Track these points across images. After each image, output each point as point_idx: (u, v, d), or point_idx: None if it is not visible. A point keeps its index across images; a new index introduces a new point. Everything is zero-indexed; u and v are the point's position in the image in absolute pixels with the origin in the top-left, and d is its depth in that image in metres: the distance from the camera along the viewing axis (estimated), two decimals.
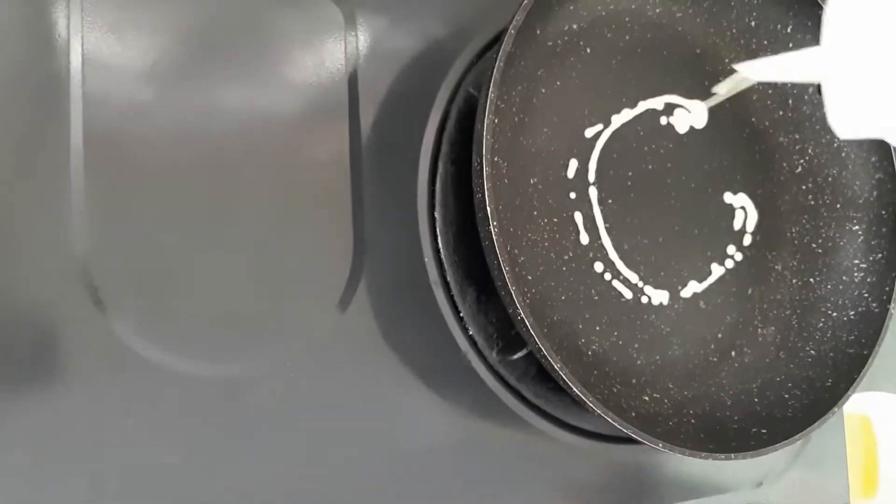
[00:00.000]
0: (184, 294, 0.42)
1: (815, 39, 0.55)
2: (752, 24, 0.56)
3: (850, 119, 0.33)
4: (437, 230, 0.48)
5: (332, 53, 0.48)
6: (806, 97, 0.57)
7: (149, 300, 0.42)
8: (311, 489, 0.45)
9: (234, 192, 0.45)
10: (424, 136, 0.49)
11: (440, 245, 0.48)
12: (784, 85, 0.57)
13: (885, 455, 0.69)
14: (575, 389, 0.42)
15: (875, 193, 0.56)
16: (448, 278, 0.48)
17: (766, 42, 0.57)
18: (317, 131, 0.48)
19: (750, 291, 0.55)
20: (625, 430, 0.43)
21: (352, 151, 0.48)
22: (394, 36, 0.50)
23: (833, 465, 0.61)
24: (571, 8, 0.50)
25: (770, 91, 0.58)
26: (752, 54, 0.57)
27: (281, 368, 0.44)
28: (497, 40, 0.51)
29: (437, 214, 0.48)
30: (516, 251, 0.47)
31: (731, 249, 0.55)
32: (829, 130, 0.56)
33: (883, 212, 0.55)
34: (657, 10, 0.54)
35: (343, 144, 0.48)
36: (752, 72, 0.43)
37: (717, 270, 0.54)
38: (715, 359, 0.53)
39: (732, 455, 0.46)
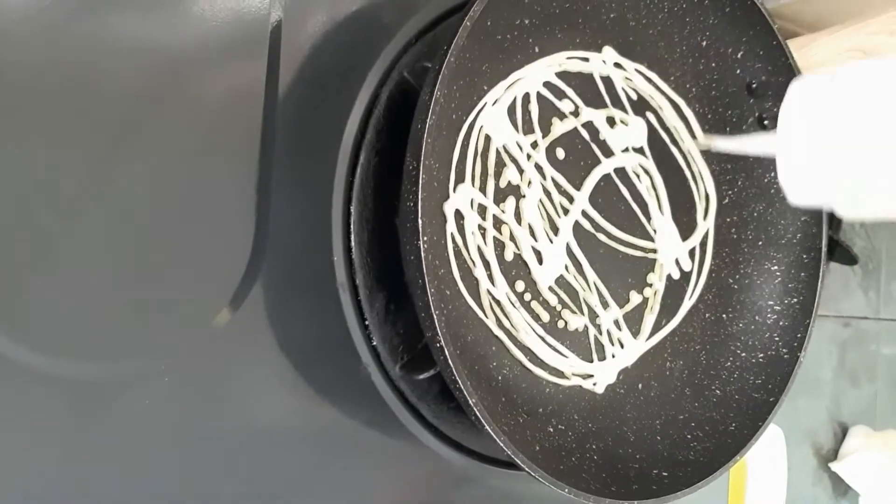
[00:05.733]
0: (45, 279, 0.36)
1: (763, 70, 0.53)
2: (704, 43, 0.53)
3: (801, 190, 0.36)
4: (352, 227, 0.43)
5: None
6: (744, 127, 0.55)
7: (3, 285, 0.35)
8: (181, 496, 0.39)
9: (115, 154, 0.38)
10: (349, 118, 0.44)
11: (352, 244, 0.43)
12: (724, 112, 0.55)
13: (754, 481, 0.69)
14: (488, 428, 0.38)
15: (799, 236, 0.54)
16: (357, 281, 0.43)
17: (713, 65, 0.54)
18: (225, 88, 0.42)
19: (663, 322, 0.53)
20: (533, 474, 0.40)
21: (264, 124, 0.42)
22: None
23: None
24: (527, 1, 0.45)
25: (709, 116, 0.55)
26: (698, 76, 0.54)
27: (156, 371, 0.38)
28: (441, 20, 0.47)
29: (353, 210, 0.43)
30: (437, 262, 0.43)
31: (651, 278, 0.52)
32: (761, 163, 0.55)
33: (804, 256, 0.54)
34: (611, 16, 0.50)
35: (255, 113, 0.42)
36: (718, 146, 0.48)
37: (634, 298, 0.52)
38: (622, 390, 0.51)
39: (636, 502, 0.44)
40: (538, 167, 0.47)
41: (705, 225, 0.55)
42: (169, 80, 0.40)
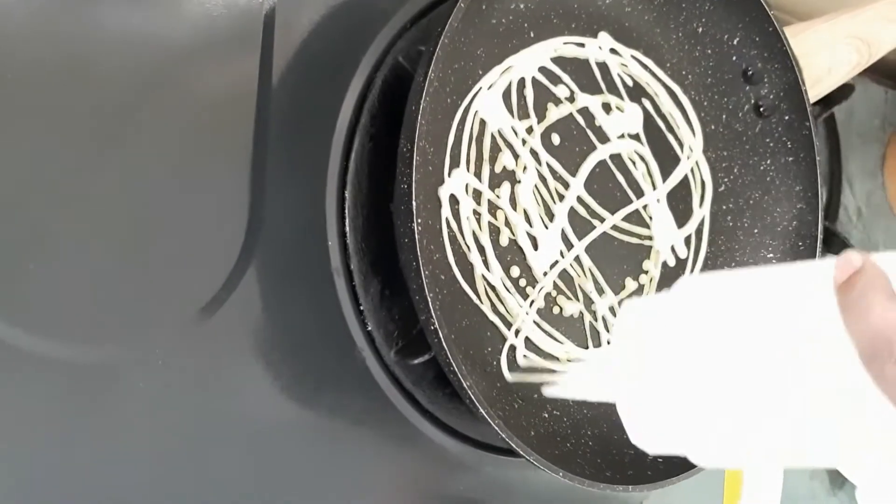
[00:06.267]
0: (41, 266, 0.36)
1: (759, 56, 0.53)
2: (700, 29, 0.53)
3: (648, 440, 0.30)
4: (346, 212, 0.43)
5: None
6: (740, 114, 0.55)
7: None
8: (177, 484, 0.39)
9: (110, 140, 0.38)
10: (343, 103, 0.44)
11: (347, 229, 0.43)
12: (720, 99, 0.55)
13: (751, 473, 0.69)
14: (483, 412, 0.38)
15: (794, 224, 0.54)
16: (352, 267, 0.43)
17: (709, 51, 0.54)
18: (219, 74, 0.42)
19: None
20: (528, 458, 0.40)
21: (258, 107, 0.42)
22: None
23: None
24: None
25: (705, 103, 0.55)
26: (694, 62, 0.54)
27: (149, 356, 0.38)
28: (436, 5, 0.46)
29: (347, 194, 0.43)
30: (432, 247, 0.43)
31: (647, 265, 0.52)
32: (757, 151, 0.55)
33: (799, 243, 0.54)
34: (607, 2, 0.50)
35: (249, 97, 0.42)
36: (557, 392, 0.36)
37: (630, 285, 0.52)
38: None
39: (630, 487, 0.44)
40: (533, 152, 0.47)
41: (701, 212, 0.55)
42: (162, 67, 0.40)
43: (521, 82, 0.47)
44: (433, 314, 0.37)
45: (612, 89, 0.51)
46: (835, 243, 0.68)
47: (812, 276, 0.26)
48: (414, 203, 0.36)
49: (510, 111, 0.47)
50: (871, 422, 0.24)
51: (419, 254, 0.37)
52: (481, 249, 0.45)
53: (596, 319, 0.50)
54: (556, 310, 0.48)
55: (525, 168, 0.47)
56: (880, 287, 0.24)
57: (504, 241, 0.46)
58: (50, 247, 0.36)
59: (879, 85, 0.75)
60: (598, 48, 0.50)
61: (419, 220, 0.37)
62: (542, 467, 0.41)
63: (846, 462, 0.27)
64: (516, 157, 0.47)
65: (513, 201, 0.46)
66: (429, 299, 0.37)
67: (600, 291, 0.50)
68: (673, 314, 0.29)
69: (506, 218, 0.46)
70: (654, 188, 0.53)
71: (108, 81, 0.38)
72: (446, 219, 0.44)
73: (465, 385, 0.38)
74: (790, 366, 0.25)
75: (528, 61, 0.47)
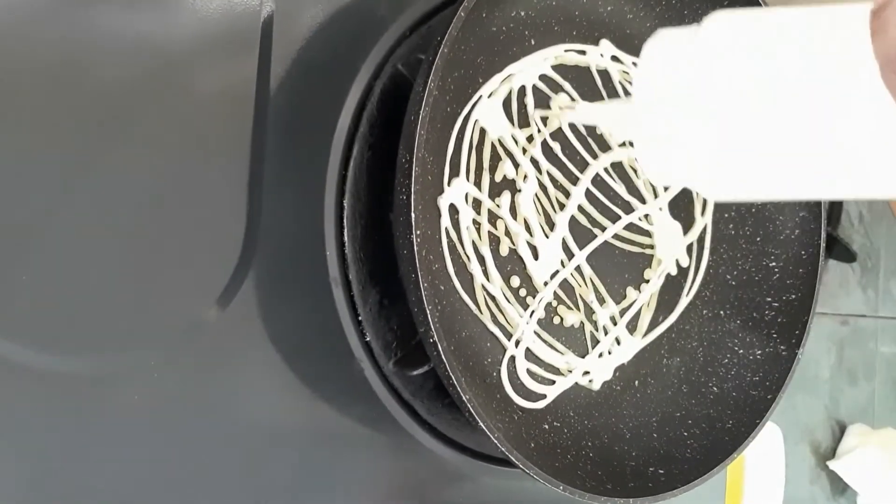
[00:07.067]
0: (35, 275, 0.35)
1: None
2: None
3: (659, 165, 0.31)
4: (345, 222, 0.43)
5: None
6: None
7: None
8: (171, 496, 0.39)
9: (105, 148, 0.38)
10: (342, 111, 0.43)
11: (346, 239, 0.43)
12: None
13: (752, 479, 0.69)
14: (482, 425, 0.38)
15: (797, 232, 0.54)
16: (350, 277, 0.43)
17: None
18: (216, 81, 0.41)
19: (660, 319, 0.53)
20: (528, 472, 0.40)
21: (256, 117, 0.42)
22: None
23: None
24: None
25: None
26: None
27: (145, 367, 0.38)
28: (436, 13, 0.46)
29: (346, 204, 0.43)
30: (431, 257, 0.42)
31: (648, 274, 0.52)
32: None
33: (802, 252, 0.54)
34: (608, 9, 0.50)
35: (247, 105, 0.42)
36: (571, 118, 0.43)
37: (631, 294, 0.51)
38: (618, 387, 0.51)
39: (631, 500, 0.44)
40: (534, 161, 0.47)
41: (703, 220, 0.54)
42: (159, 73, 0.39)
43: (522, 90, 0.47)
44: (432, 327, 0.37)
45: (614, 97, 0.51)
46: (838, 250, 0.67)
47: (844, 9, 0.27)
48: (413, 215, 0.36)
49: (511, 120, 0.46)
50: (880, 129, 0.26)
51: (418, 265, 0.36)
52: (481, 259, 0.45)
53: (597, 329, 0.49)
54: (556, 320, 0.48)
55: (526, 177, 0.46)
56: None
57: (504, 250, 0.46)
58: (44, 256, 0.36)
59: None
60: (599, 55, 0.50)
61: (418, 232, 0.36)
62: (541, 481, 0.41)
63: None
64: (517, 165, 0.46)
65: (513, 210, 0.46)
66: (428, 312, 0.37)
67: (601, 301, 0.50)
68: (701, 47, 0.29)
69: (506, 227, 0.46)
70: (656, 196, 0.52)
71: (104, 88, 0.38)
72: (446, 229, 0.43)
73: (464, 398, 0.38)
74: (815, 87, 0.26)
75: (529, 69, 0.47)
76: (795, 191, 0.30)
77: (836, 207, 0.69)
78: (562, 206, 0.48)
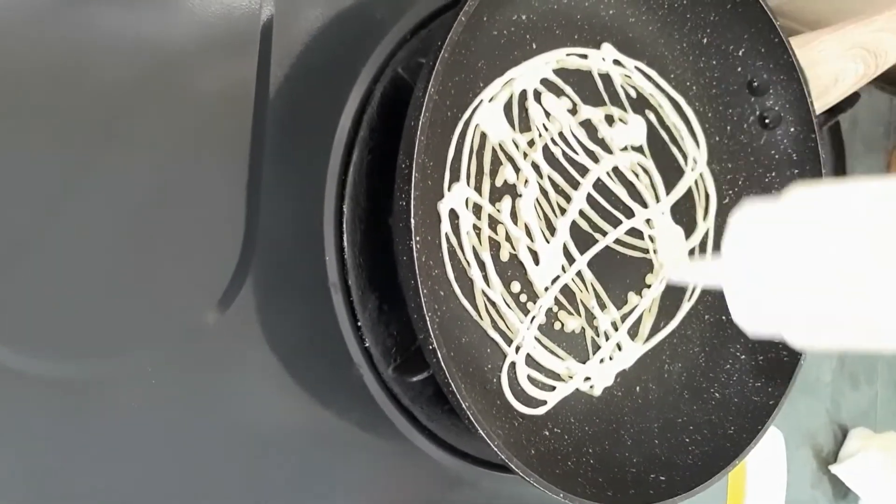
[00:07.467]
0: (32, 279, 0.35)
1: (765, 67, 0.52)
2: (705, 40, 0.52)
3: (753, 322, 0.34)
4: (344, 227, 0.42)
5: None
6: (745, 126, 0.54)
7: None
8: (170, 501, 0.39)
9: (103, 151, 0.37)
10: (342, 115, 0.43)
11: (345, 244, 0.42)
12: (725, 110, 0.54)
13: (754, 483, 0.69)
14: (481, 432, 0.38)
15: None
16: (349, 282, 0.43)
17: (714, 62, 0.53)
18: (215, 85, 0.41)
19: (662, 324, 0.52)
20: (528, 479, 0.39)
21: (255, 121, 0.41)
22: None
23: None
24: None
25: (709, 114, 0.54)
26: (699, 73, 0.53)
27: (143, 372, 0.38)
28: (436, 16, 0.46)
29: (345, 208, 0.42)
30: (431, 262, 0.42)
31: (650, 279, 0.52)
32: (762, 163, 0.54)
33: None
34: (610, 12, 0.50)
35: (246, 108, 0.41)
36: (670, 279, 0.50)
37: (632, 300, 0.51)
38: (619, 393, 0.50)
39: None
40: (535, 166, 0.47)
41: (705, 225, 0.54)
42: (158, 77, 0.39)
43: (523, 94, 0.46)
44: (432, 334, 0.37)
45: (616, 101, 0.50)
46: None
47: None
48: (412, 220, 0.36)
49: (511, 124, 0.46)
50: None
51: (417, 271, 0.36)
52: (481, 265, 0.44)
53: (598, 335, 0.49)
54: (557, 325, 0.48)
55: (526, 182, 0.46)
56: None
57: (504, 255, 0.45)
58: (41, 260, 0.36)
59: (884, 92, 0.74)
60: (601, 59, 0.49)
61: (418, 238, 0.36)
62: (541, 488, 0.40)
63: None
64: (517, 170, 0.46)
65: (514, 215, 0.46)
66: (427, 318, 0.36)
67: (602, 306, 0.49)
68: (784, 218, 0.32)
69: (506, 232, 0.45)
70: (658, 201, 0.52)
71: (103, 90, 0.37)
72: (446, 234, 0.43)
73: (463, 405, 0.37)
74: (877, 258, 0.29)
75: (530, 73, 0.46)
76: (880, 345, 0.32)
77: None
78: (563, 211, 0.48)
